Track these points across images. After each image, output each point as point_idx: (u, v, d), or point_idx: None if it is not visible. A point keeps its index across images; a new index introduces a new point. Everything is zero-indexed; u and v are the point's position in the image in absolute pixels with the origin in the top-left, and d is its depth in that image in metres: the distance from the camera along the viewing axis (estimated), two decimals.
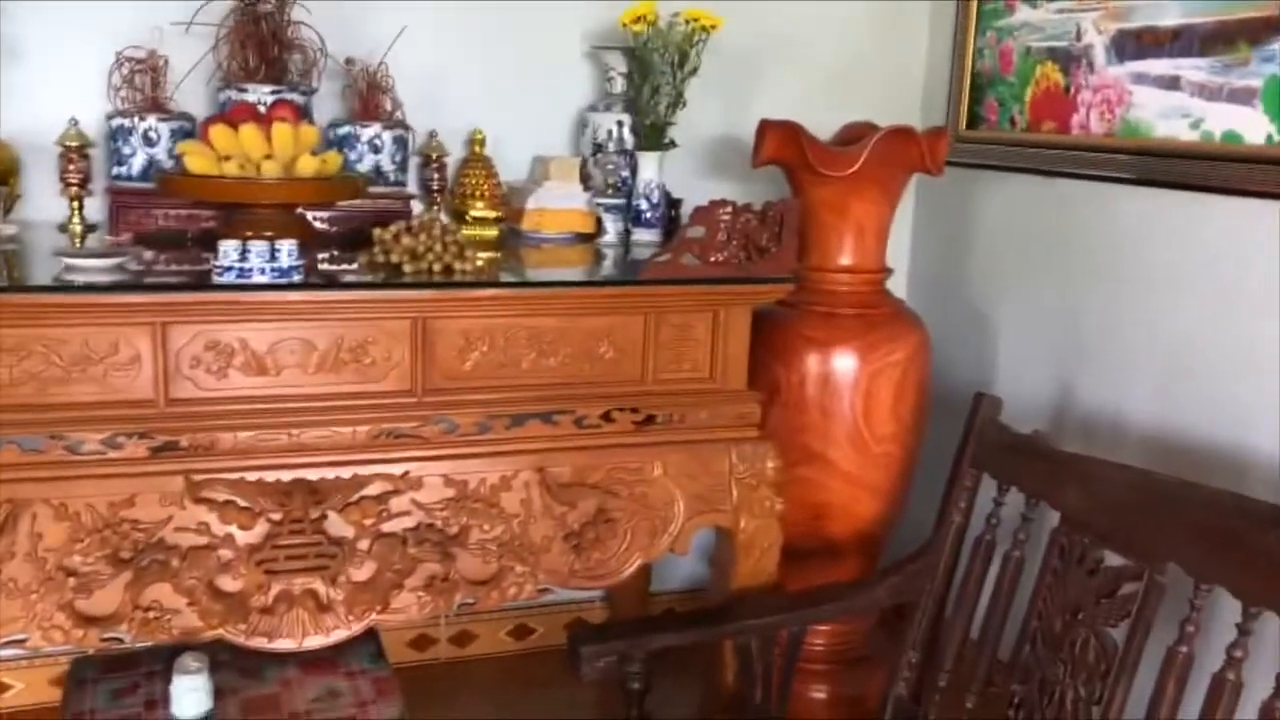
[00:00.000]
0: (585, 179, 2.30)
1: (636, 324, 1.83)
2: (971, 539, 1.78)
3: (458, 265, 1.76)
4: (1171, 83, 1.94)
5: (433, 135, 2.24)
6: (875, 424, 2.07)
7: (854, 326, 2.08)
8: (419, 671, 2.56)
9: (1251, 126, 1.79)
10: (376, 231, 1.77)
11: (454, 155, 2.29)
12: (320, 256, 1.82)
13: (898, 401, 2.08)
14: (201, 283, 1.60)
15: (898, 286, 2.80)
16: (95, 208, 2.05)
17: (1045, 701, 1.59)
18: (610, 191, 2.25)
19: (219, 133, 1.68)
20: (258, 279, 1.59)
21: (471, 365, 1.75)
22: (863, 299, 2.12)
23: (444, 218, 2.19)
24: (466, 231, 2.16)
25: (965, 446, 1.83)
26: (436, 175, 2.23)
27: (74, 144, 1.94)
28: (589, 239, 2.24)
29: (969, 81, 2.51)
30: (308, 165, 1.71)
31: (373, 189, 2.10)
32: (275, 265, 1.60)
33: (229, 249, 1.58)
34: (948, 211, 2.63)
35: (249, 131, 1.66)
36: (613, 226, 2.24)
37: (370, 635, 1.94)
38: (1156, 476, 1.54)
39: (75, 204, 1.97)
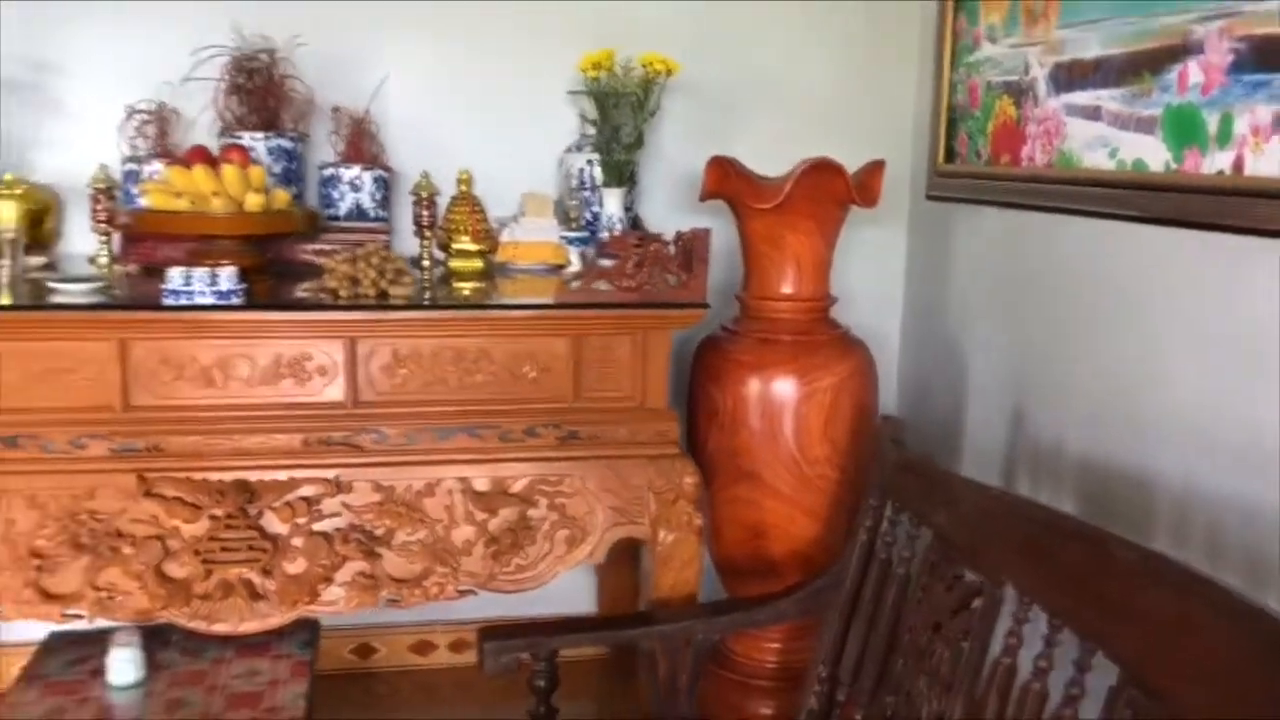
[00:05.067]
0: (563, 214, 2.46)
1: (560, 346, 1.96)
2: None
3: (393, 290, 1.94)
4: (1094, 113, 1.96)
5: (424, 176, 2.43)
6: (806, 447, 2.13)
7: (787, 352, 2.14)
8: (419, 676, 2.74)
9: (1154, 155, 1.80)
10: (324, 260, 1.97)
11: (450, 193, 2.48)
12: (303, 285, 2.05)
13: (829, 425, 2.13)
14: (151, 304, 1.83)
15: (894, 315, 2.85)
16: None
17: (909, 714, 1.64)
18: (574, 226, 2.39)
19: (175, 173, 1.91)
20: (199, 300, 1.81)
21: (400, 381, 1.92)
22: (800, 326, 2.18)
23: (436, 251, 2.39)
24: (453, 263, 2.35)
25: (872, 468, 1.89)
26: (426, 212, 2.42)
27: (102, 186, 2.23)
28: (561, 269, 2.39)
29: (945, 116, 2.55)
30: (254, 202, 1.92)
31: (352, 224, 2.32)
32: (215, 289, 1.81)
33: (175, 275, 1.80)
34: (932, 243, 2.67)
35: (200, 172, 1.89)
36: (577, 258, 2.38)
37: (307, 626, 2.12)
38: (1003, 496, 1.57)
39: (104, 239, 2.26)
